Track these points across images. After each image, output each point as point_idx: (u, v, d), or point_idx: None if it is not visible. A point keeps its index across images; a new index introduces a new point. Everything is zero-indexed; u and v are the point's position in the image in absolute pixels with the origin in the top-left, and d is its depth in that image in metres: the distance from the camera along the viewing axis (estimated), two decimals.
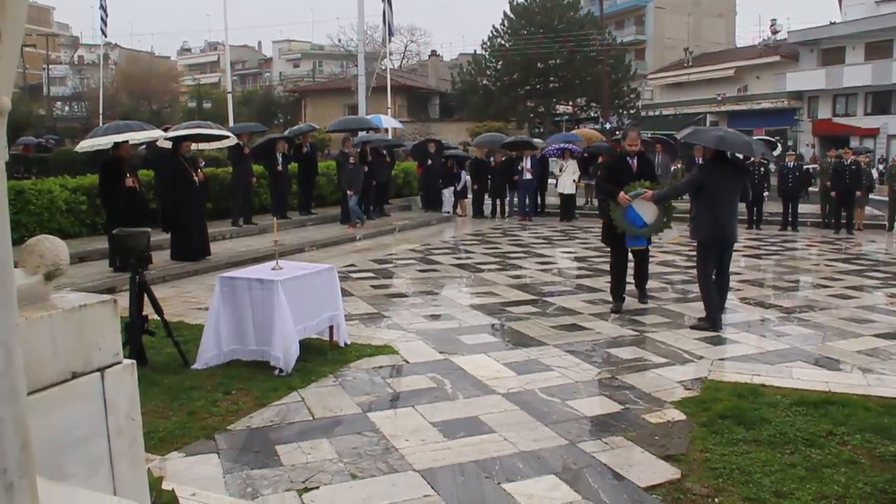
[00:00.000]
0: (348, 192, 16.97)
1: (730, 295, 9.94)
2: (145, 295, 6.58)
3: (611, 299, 9.11)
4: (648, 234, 8.94)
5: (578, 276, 11.56)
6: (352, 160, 16.96)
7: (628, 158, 8.95)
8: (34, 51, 61.44)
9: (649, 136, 24.85)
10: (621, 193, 8.57)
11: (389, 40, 35.94)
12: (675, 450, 4.70)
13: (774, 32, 54.35)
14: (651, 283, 10.63)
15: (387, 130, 28.04)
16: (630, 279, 9.32)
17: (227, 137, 13.77)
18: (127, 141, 11.04)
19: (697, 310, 8.80)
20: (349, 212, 17.14)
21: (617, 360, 6.75)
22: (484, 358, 6.82)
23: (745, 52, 54.69)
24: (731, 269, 12.06)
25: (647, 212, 8.65)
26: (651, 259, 13.26)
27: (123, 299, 6.93)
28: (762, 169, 18.18)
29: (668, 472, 4.38)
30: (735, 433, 4.91)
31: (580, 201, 21.70)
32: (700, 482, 4.22)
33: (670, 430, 5.07)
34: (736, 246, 14.84)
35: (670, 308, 8.98)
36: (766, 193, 18.84)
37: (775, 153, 22.17)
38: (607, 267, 12.16)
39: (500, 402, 5.66)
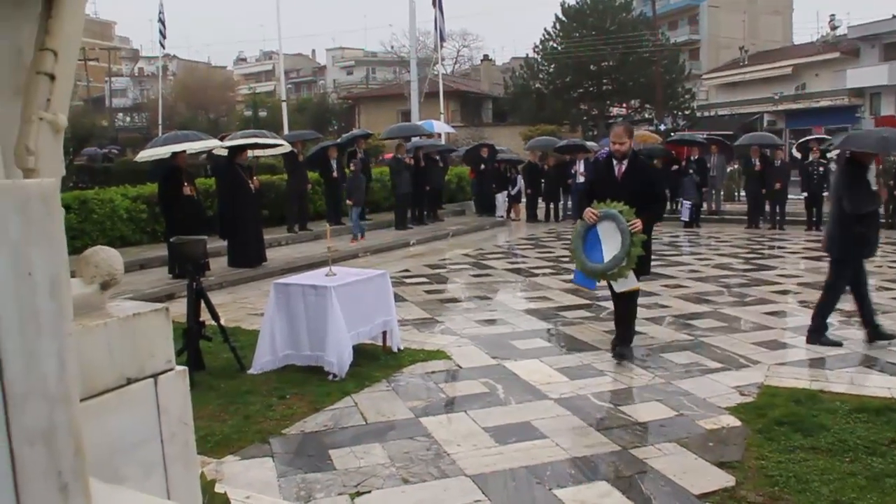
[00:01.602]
0: (348, 202, 16.16)
1: (789, 298, 9.79)
2: (202, 301, 6.72)
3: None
4: (600, 277, 6.80)
5: None
6: (352, 167, 16.46)
7: (614, 162, 6.87)
8: (97, 64, 63.06)
9: (704, 136, 24.53)
10: (588, 208, 6.74)
11: (441, 46, 36.02)
12: (730, 457, 4.62)
13: (833, 28, 53.09)
14: (706, 287, 10.53)
15: (439, 136, 28.13)
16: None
17: (282, 145, 13.98)
18: (184, 151, 11.28)
19: (754, 313, 8.67)
20: (354, 224, 16.10)
21: (671, 365, 6.67)
22: (537, 363, 6.80)
23: (803, 49, 53.50)
24: (790, 271, 11.93)
25: (612, 244, 6.57)
26: (706, 262, 13.23)
27: (182, 305, 7.12)
28: (821, 168, 17.79)
29: (723, 479, 4.31)
30: (792, 440, 4.81)
31: None
32: (755, 490, 4.15)
33: (725, 436, 4.99)
34: (795, 248, 14.75)
35: (726, 312, 8.82)
36: (825, 193, 18.41)
37: (835, 152, 21.71)
38: (664, 271, 12.11)
39: (552, 407, 5.64)
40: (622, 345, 6.93)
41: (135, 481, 1.99)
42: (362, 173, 16.53)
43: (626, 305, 6.95)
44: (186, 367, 2.23)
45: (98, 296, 2.04)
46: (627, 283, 6.68)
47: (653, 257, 13.09)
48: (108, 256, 2.07)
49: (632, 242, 6.46)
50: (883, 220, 18.51)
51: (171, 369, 2.14)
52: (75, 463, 1.38)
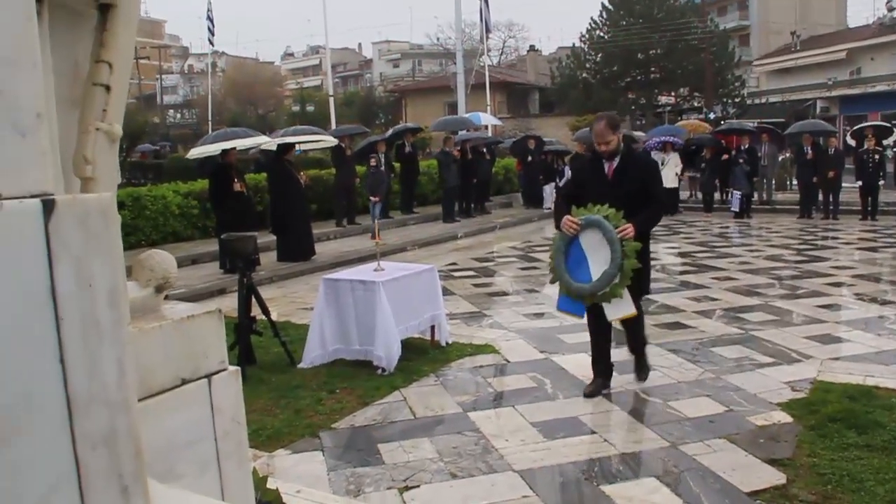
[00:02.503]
0: (372, 198, 16.20)
1: (843, 290, 9.62)
2: (253, 296, 6.83)
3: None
4: (590, 300, 5.52)
5: (682, 273, 11.33)
6: (372, 162, 16.33)
7: (604, 161, 5.72)
8: (148, 62, 64.18)
9: (755, 124, 24.13)
10: (566, 216, 5.54)
11: (487, 37, 35.97)
12: (781, 454, 4.57)
13: (890, 10, 51.55)
14: (757, 279, 10.38)
15: (486, 128, 28.10)
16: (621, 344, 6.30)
17: (328, 140, 14.16)
18: (234, 147, 11.46)
19: (807, 306, 8.53)
20: (372, 218, 15.45)
21: (721, 360, 6.60)
22: (584, 357, 6.74)
23: (858, 32, 52.14)
24: (844, 262, 11.71)
25: (600, 258, 5.38)
26: (757, 253, 13.04)
27: (233, 300, 7.24)
28: (876, 156, 17.36)
29: (774, 476, 4.26)
30: (846, 437, 4.72)
31: (683, 195, 21.28)
32: (807, 488, 4.09)
33: (776, 433, 4.93)
34: (849, 238, 14.46)
35: (777, 305, 8.69)
36: (881, 182, 18.01)
37: (892, 139, 21.19)
38: (714, 263, 11.98)
39: (600, 402, 5.64)
40: (639, 363, 6.04)
41: (190, 479, 2.05)
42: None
43: (633, 335, 5.97)
44: (239, 367, 2.29)
45: (153, 298, 2.11)
46: (622, 306, 5.47)
47: (699, 251, 12.98)
48: (162, 260, 2.13)
49: (624, 254, 5.26)
50: None
51: (224, 369, 2.20)
52: (135, 465, 1.44)
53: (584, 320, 5.86)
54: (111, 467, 1.39)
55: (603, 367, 5.93)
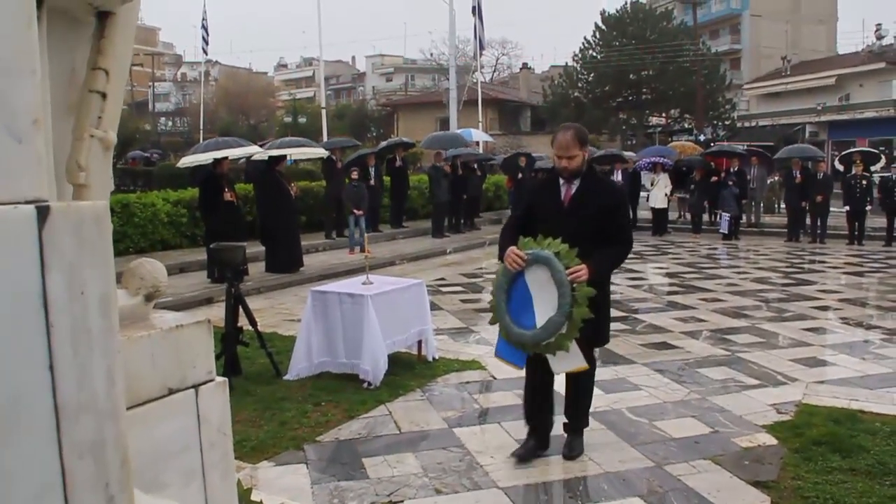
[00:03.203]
0: (356, 212, 15.24)
1: (829, 314, 9.66)
2: (240, 307, 6.81)
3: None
4: (533, 349, 4.55)
5: (670, 293, 11.37)
6: (353, 175, 15.54)
7: (560, 182, 4.77)
8: (141, 69, 64.14)
9: (744, 147, 24.29)
10: (511, 247, 4.54)
11: (480, 54, 36.11)
12: (766, 476, 4.57)
13: (879, 38, 52.19)
14: (744, 301, 10.43)
15: (477, 144, 28.18)
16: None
17: (319, 151, 14.18)
18: (226, 157, 11.45)
19: (793, 329, 8.57)
20: (350, 234, 15.40)
21: (707, 381, 6.61)
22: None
23: (848, 59, 52.67)
24: (830, 286, 11.77)
25: (546, 300, 4.43)
26: (745, 275, 13.12)
27: (220, 309, 7.21)
28: (864, 182, 17.50)
29: (758, 499, 4.27)
30: (830, 461, 4.74)
31: (672, 215, 21.38)
32: None
33: (761, 455, 4.94)
34: (836, 262, 14.55)
35: (764, 327, 8.73)
36: (868, 207, 18.15)
37: (879, 165, 21.38)
38: (701, 284, 12.02)
39: None
40: (574, 435, 5.03)
41: (175, 489, 2.04)
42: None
43: (578, 393, 5.02)
44: (227, 378, 2.28)
45: (142, 307, 2.10)
46: (569, 360, 4.55)
47: (687, 272, 12.97)
48: (153, 269, 2.12)
49: (574, 300, 4.30)
50: None
51: (211, 380, 2.19)
52: (121, 475, 1.43)
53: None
54: (98, 476, 1.38)
55: (539, 425, 4.97)
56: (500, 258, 4.61)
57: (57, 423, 1.30)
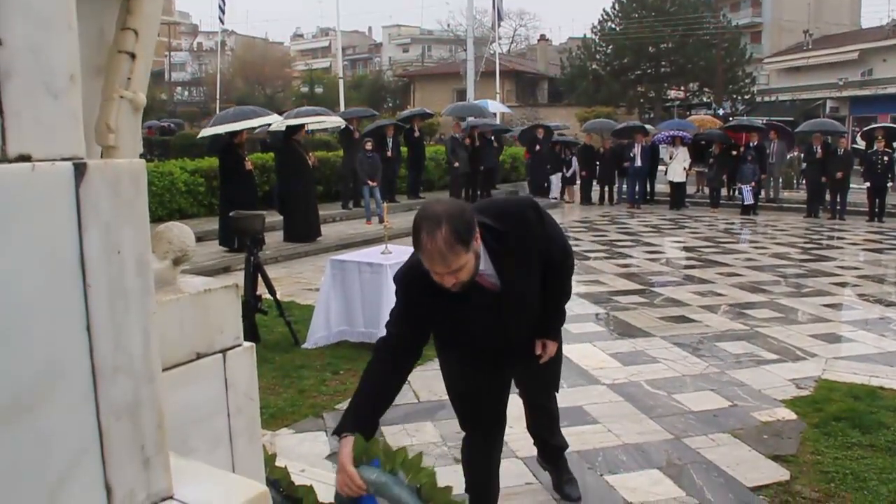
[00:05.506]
0: (370, 182, 15.06)
1: (848, 290, 9.59)
2: (259, 275, 6.82)
3: None
4: None
5: (687, 267, 11.31)
6: (367, 146, 15.47)
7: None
8: (157, 39, 63.91)
9: (764, 122, 24.03)
10: (345, 470, 2.57)
11: (499, 25, 35.82)
12: (785, 450, 4.56)
13: None
14: (762, 276, 10.38)
15: (494, 115, 28.03)
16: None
17: (337, 121, 14.13)
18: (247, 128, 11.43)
19: (812, 305, 8.51)
20: (366, 204, 15.35)
21: (726, 355, 6.59)
22: (589, 347, 6.78)
23: (871, 33, 51.78)
24: (849, 263, 11.67)
25: None
26: (763, 250, 13.02)
27: (238, 278, 7.22)
28: (886, 158, 17.29)
29: (777, 472, 4.26)
30: (849, 437, 4.71)
31: (690, 189, 21.24)
32: (810, 485, 4.09)
33: (780, 429, 4.92)
34: (856, 239, 14.41)
35: (783, 303, 8.67)
36: (890, 184, 17.93)
37: None
38: (719, 258, 11.94)
39: (604, 392, 5.63)
40: (565, 479, 4.14)
41: (202, 453, 2.04)
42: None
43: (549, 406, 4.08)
44: (254, 344, 2.28)
45: (171, 271, 2.09)
46: None
47: (705, 246, 12.91)
48: (181, 232, 2.11)
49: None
50: None
51: (239, 345, 2.19)
52: (157, 437, 1.42)
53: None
54: (134, 438, 1.37)
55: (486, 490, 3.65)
56: (338, 432, 2.79)
57: (94, 384, 1.29)
